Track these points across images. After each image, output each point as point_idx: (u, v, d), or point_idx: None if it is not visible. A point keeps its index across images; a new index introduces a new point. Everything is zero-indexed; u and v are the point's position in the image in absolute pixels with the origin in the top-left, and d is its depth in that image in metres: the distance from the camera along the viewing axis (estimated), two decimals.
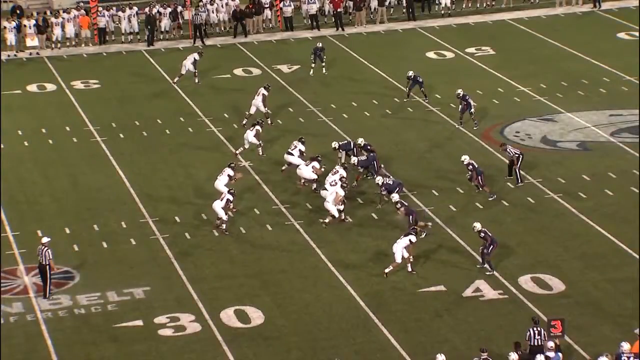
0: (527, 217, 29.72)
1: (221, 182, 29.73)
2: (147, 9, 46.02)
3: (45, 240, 26.06)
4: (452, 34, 46.35)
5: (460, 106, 35.67)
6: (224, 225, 28.67)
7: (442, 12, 48.80)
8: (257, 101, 36.05)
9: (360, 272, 26.83)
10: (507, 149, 31.45)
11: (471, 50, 44.23)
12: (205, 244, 28.42)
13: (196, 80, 40.50)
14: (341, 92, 39.46)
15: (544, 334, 22.22)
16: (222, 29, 47.21)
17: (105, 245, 28.48)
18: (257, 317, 24.90)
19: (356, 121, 36.87)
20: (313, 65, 41.17)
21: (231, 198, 28.79)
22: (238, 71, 42.45)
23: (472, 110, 35.51)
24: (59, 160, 34.05)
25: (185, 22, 46.97)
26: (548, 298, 25.44)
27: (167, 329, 24.49)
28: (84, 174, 32.84)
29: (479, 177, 30.63)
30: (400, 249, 26.39)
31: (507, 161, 31.54)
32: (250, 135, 33.41)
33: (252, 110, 35.98)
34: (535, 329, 22.32)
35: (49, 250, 25.71)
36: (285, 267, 27.27)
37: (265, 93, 36.23)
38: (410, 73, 38.09)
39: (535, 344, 22.15)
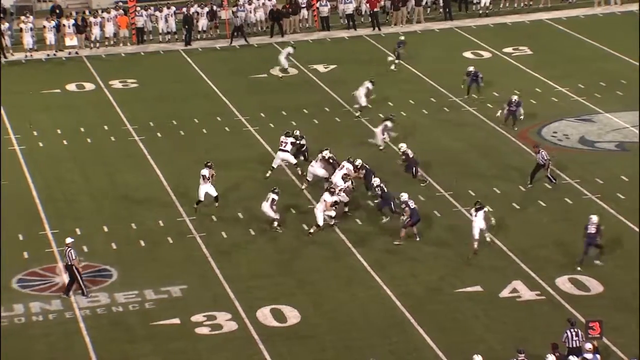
0: (565, 217, 29.55)
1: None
2: (184, 9, 46.23)
3: (68, 240, 26.20)
4: (489, 33, 46.15)
5: (506, 110, 35.09)
6: (275, 224, 28.64)
7: (480, 11, 48.61)
8: (360, 93, 36.40)
9: (396, 272, 26.80)
10: (540, 152, 31.10)
11: (508, 50, 44.02)
12: (242, 243, 28.51)
13: (280, 76, 40.98)
14: (377, 92, 39.37)
15: (582, 336, 22.07)
16: (260, 28, 47.32)
17: (142, 243, 28.66)
18: (292, 316, 24.95)
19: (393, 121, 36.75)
20: (396, 61, 41.29)
21: (276, 197, 28.83)
22: (275, 71, 42.52)
23: (521, 116, 35.12)
24: (97, 159, 34.29)
25: (222, 22, 47.15)
26: (586, 299, 25.29)
27: (204, 328, 24.60)
28: (122, 173, 33.05)
29: (414, 168, 30.29)
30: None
31: (535, 164, 31.13)
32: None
33: (362, 102, 36.55)
34: (572, 330, 22.19)
35: (72, 251, 25.82)
36: (321, 266, 27.30)
37: (370, 87, 36.68)
38: (471, 69, 37.86)
39: (573, 345, 22.02)
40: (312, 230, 28.67)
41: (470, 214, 27.63)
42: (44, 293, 26.22)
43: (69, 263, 25.83)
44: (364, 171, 30.47)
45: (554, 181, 31.04)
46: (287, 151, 31.70)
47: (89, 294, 25.89)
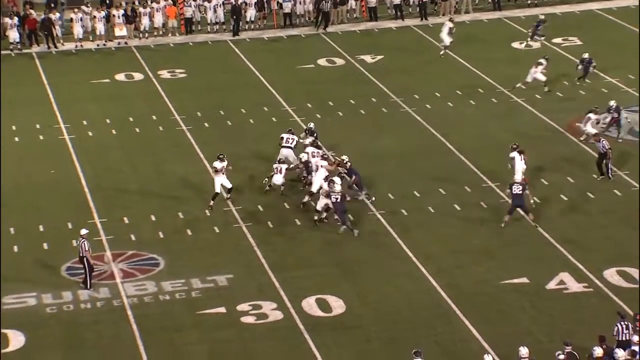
0: (613, 209, 29.24)
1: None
2: None
3: (83, 232, 26.17)
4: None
5: (610, 118, 34.17)
6: (323, 215, 28.63)
7: (529, 1, 48.17)
8: (536, 71, 37.21)
9: (442, 263, 26.71)
10: (601, 141, 30.72)
11: (558, 40, 43.60)
12: (287, 233, 28.55)
13: (441, 53, 41.57)
14: (424, 83, 39.23)
15: (632, 329, 21.82)
16: (307, 19, 47.28)
17: (189, 232, 28.81)
18: (338, 306, 24.95)
19: (439, 112, 36.66)
20: (539, 38, 41.97)
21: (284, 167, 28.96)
22: (322, 61, 42.50)
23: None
24: (145, 149, 34.51)
25: (270, 12, 47.19)
26: (634, 291, 25.00)
27: (250, 317, 24.69)
28: (169, 163, 33.24)
29: (355, 178, 29.63)
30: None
31: (597, 155, 30.81)
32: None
33: (529, 79, 37.26)
34: (622, 323, 21.95)
35: (85, 242, 25.80)
36: (367, 257, 27.27)
37: (544, 62, 37.33)
38: (586, 55, 37.49)
39: (623, 339, 21.78)
40: (316, 218, 28.49)
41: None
42: (92, 281, 26.43)
43: (82, 255, 25.81)
44: (344, 171, 29.64)
45: (610, 177, 30.58)
46: (291, 148, 31.45)
47: (92, 289, 25.75)
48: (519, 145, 30.46)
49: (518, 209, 28.21)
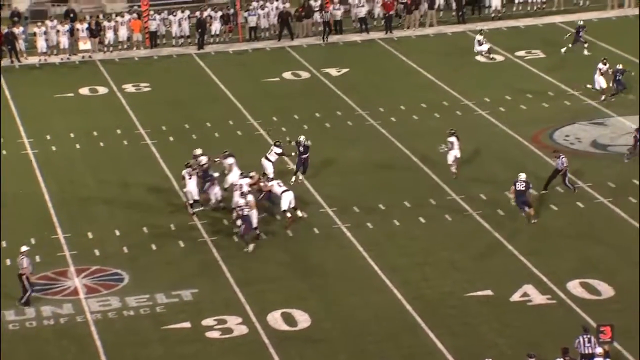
0: (577, 221, 29.43)
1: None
2: (197, 13, 46.27)
3: (23, 249, 25.84)
4: (502, 37, 46.01)
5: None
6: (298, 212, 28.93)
7: (492, 15, 48.50)
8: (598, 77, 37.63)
9: (408, 276, 26.75)
10: (560, 158, 30.88)
11: (521, 53, 43.90)
12: (254, 247, 28.45)
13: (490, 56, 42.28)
14: (389, 96, 39.35)
15: (594, 342, 21.95)
16: (273, 32, 47.27)
17: (154, 247, 28.68)
18: (303, 320, 24.92)
19: (404, 125, 36.77)
20: (582, 44, 42.24)
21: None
22: (287, 74, 42.53)
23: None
24: (110, 163, 34.35)
25: (236, 26, 47.17)
26: (597, 303, 25.17)
27: (215, 331, 24.59)
28: (134, 176, 33.09)
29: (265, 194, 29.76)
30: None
31: (553, 170, 30.92)
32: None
33: (597, 85, 37.50)
34: (585, 336, 22.07)
35: (24, 259, 25.50)
36: (333, 270, 27.26)
37: (602, 67, 37.65)
38: (620, 66, 37.88)
39: (586, 352, 21.90)
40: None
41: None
42: (55, 297, 26.25)
43: (20, 272, 25.46)
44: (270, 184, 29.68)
45: (573, 189, 30.73)
46: (270, 160, 31.35)
47: (25, 307, 25.41)
48: (456, 131, 31.96)
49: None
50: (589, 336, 22.05)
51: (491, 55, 42.78)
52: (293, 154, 31.99)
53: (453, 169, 31.98)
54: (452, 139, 31.98)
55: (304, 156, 32.04)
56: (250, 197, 28.46)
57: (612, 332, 22.09)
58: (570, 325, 23.95)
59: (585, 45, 42.50)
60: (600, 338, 22.03)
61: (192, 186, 30.02)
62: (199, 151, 31.27)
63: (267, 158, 31.58)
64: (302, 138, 32.15)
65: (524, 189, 29.07)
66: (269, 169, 31.25)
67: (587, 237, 28.47)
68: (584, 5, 49.39)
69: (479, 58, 43.22)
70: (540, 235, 28.62)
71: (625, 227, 28.87)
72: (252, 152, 34.72)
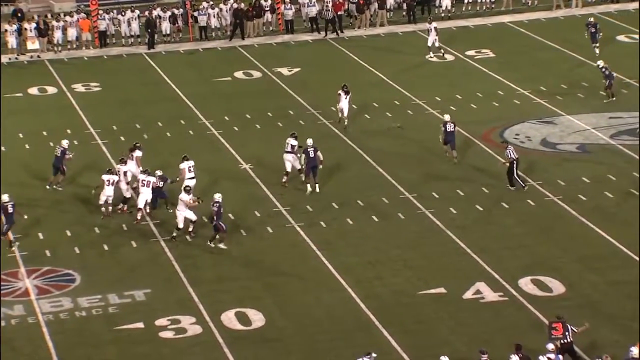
0: (527, 219, 29.71)
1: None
2: (147, 12, 46.01)
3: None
4: (452, 36, 46.33)
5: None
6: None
7: (442, 14, 48.80)
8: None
9: (361, 275, 26.83)
10: (509, 149, 31.15)
11: (471, 52, 44.22)
12: (206, 246, 28.40)
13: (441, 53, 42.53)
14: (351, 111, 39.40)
15: (572, 331, 22.07)
16: (224, 32, 47.11)
17: (106, 247, 28.48)
18: (257, 319, 24.89)
19: (357, 123, 36.87)
20: (594, 45, 42.12)
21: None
22: (239, 74, 42.46)
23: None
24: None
25: (185, 25, 47.00)
26: (548, 300, 25.43)
27: (168, 332, 24.48)
28: (85, 177, 32.80)
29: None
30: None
31: (507, 164, 31.23)
32: None
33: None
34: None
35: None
36: (286, 269, 27.27)
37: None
38: (600, 63, 37.82)
39: (566, 340, 21.97)
40: (175, 234, 28.47)
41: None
42: (6, 298, 25.97)
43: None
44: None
45: (523, 185, 31.04)
46: (291, 152, 31.51)
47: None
48: (348, 87, 35.39)
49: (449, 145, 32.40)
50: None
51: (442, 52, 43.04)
52: (302, 161, 31.16)
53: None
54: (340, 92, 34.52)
55: (313, 160, 30.80)
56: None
57: (564, 329, 22.32)
58: (522, 322, 24.19)
59: (595, 45, 42.51)
60: (552, 334, 22.26)
61: (110, 191, 29.81)
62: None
63: (287, 151, 31.41)
64: (309, 142, 31.14)
65: (452, 129, 32.30)
66: (295, 162, 31.23)
67: (538, 234, 28.76)
68: (533, 5, 49.87)
69: (430, 57, 43.46)
70: (491, 233, 28.86)
71: (576, 224, 29.21)
72: (203, 151, 34.70)
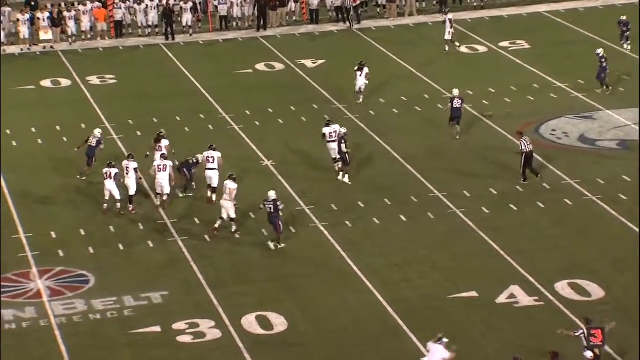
0: (564, 220, 29.56)
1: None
2: (164, 1, 46.10)
3: None
4: (485, 27, 46.21)
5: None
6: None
7: (475, 4, 48.63)
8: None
9: (388, 277, 26.77)
10: (522, 140, 31.02)
11: (505, 44, 44.07)
12: (226, 247, 28.42)
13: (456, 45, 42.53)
14: (368, 88, 39.33)
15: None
16: (245, 23, 47.12)
17: (121, 247, 28.55)
18: (279, 323, 24.89)
19: (384, 119, 36.82)
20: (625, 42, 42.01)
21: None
22: (260, 66, 42.49)
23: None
24: (74, 159, 34.11)
25: (205, 15, 47.08)
26: (586, 305, 25.28)
27: (186, 336, 24.52)
28: (100, 174, 32.83)
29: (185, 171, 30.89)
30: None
31: (522, 156, 31.02)
32: None
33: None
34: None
35: None
36: (309, 271, 27.25)
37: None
38: (599, 51, 37.79)
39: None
40: (217, 226, 28.61)
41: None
42: (17, 300, 26.09)
43: None
44: None
45: (537, 174, 31.12)
46: (335, 141, 31.82)
47: None
48: (364, 63, 36.63)
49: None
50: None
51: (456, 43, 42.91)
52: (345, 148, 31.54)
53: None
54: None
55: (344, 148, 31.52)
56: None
57: (603, 336, 22.18)
58: (558, 327, 24.02)
59: (627, 42, 42.43)
60: (591, 341, 22.13)
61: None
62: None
63: (330, 141, 31.80)
64: (338, 127, 31.81)
65: (459, 106, 33.40)
66: (335, 150, 31.60)
67: (575, 235, 28.61)
68: None
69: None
70: (526, 234, 28.73)
71: (616, 225, 29.03)
72: (223, 147, 34.65)
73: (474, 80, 39.87)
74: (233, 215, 28.66)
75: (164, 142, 31.67)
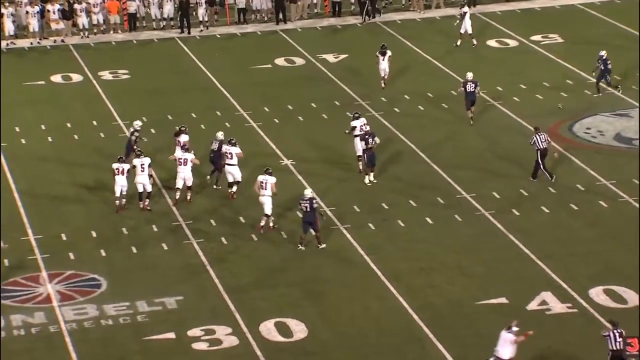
0: (598, 222, 29.46)
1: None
2: None
3: None
4: (515, 20, 46.12)
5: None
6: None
7: None
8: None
9: (413, 282, 26.75)
10: (537, 136, 31.04)
11: (537, 37, 43.96)
12: (243, 250, 28.47)
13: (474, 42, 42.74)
14: (392, 84, 39.33)
15: (625, 336, 21.98)
16: (263, 16, 47.18)
17: (134, 249, 28.64)
18: (299, 330, 24.91)
19: (409, 116, 36.79)
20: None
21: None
22: (280, 61, 42.53)
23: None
24: (85, 158, 34.28)
25: (223, 8, 47.16)
26: (622, 312, 25.16)
27: (202, 343, 24.57)
28: (112, 173, 33.00)
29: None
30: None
31: (538, 152, 31.06)
32: None
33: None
34: (615, 331, 22.08)
35: None
36: (331, 275, 27.26)
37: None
38: (602, 53, 37.44)
39: (617, 347, 21.91)
40: (262, 224, 28.91)
41: None
42: (26, 305, 26.20)
43: None
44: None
45: (550, 176, 31.17)
46: (358, 135, 32.07)
47: None
48: (386, 47, 37.95)
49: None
50: (619, 330, 22.06)
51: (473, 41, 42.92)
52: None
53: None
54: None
55: (372, 146, 31.54)
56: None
57: None
58: (592, 335, 23.94)
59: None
60: (628, 351, 22.04)
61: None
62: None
63: (358, 135, 32.00)
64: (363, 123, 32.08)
65: (473, 89, 34.27)
66: (358, 146, 31.84)
67: (611, 239, 28.49)
68: None
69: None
70: (558, 237, 28.65)
71: None
72: (241, 145, 34.69)
73: (504, 76, 39.80)
74: (269, 212, 28.94)
75: (184, 138, 31.74)
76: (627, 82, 38.67)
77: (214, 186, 31.50)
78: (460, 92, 35.50)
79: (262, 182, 29.02)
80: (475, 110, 35.39)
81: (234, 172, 30.92)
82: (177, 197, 30.70)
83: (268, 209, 28.96)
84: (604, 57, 37.29)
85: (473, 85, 34.88)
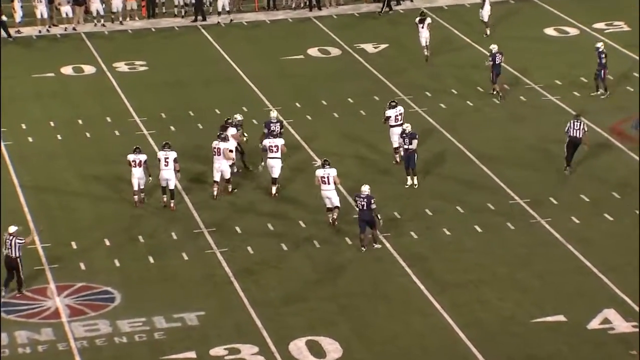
0: None
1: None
2: None
3: (12, 229, 26.94)
4: (577, 5, 46.03)
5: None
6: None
7: None
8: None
9: (459, 297, 26.73)
10: (573, 122, 31.37)
11: (600, 25, 43.82)
12: (271, 260, 28.55)
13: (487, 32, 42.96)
14: (437, 77, 39.32)
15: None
16: (296, 2, 47.31)
17: (151, 260, 28.78)
18: (333, 349, 24.95)
19: (456, 113, 36.76)
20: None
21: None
22: (313, 51, 42.61)
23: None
24: (98, 158, 34.50)
25: None
26: None
27: None
28: (127, 174, 33.16)
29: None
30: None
31: (571, 141, 31.39)
32: None
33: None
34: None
35: (17, 240, 26.79)
36: (368, 289, 27.29)
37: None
38: (599, 45, 37.67)
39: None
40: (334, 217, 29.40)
41: None
42: (32, 320, 26.38)
43: (14, 255, 26.78)
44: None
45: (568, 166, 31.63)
46: (400, 125, 32.47)
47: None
48: (425, 13, 40.20)
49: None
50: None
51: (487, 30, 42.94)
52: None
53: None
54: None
55: (409, 147, 31.68)
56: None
57: None
58: None
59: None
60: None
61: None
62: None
63: (394, 125, 32.67)
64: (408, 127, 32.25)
65: (499, 62, 36.63)
66: (395, 137, 32.53)
67: None
68: None
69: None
70: (623, 248, 28.54)
71: None
72: None
73: (563, 68, 39.75)
74: (337, 204, 29.45)
75: (231, 131, 32.01)
76: None
77: (260, 166, 31.87)
78: (487, 66, 37.02)
79: (322, 177, 29.41)
80: (502, 80, 36.91)
81: (275, 166, 31.23)
82: (215, 192, 31.03)
83: (336, 201, 29.48)
84: (601, 50, 37.32)
85: (500, 56, 36.39)
